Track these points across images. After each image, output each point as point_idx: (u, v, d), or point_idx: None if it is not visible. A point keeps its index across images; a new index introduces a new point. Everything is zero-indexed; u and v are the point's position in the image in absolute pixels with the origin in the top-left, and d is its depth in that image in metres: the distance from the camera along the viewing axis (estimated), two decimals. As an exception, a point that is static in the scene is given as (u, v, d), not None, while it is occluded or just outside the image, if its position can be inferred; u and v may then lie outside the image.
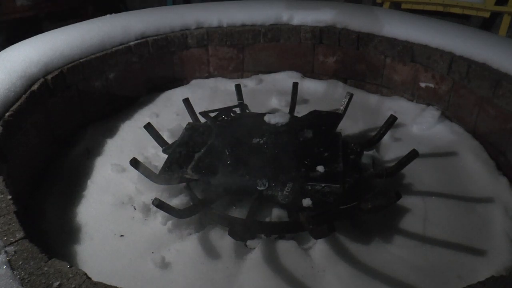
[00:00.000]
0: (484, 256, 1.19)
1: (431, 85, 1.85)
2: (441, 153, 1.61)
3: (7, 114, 1.35)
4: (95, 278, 0.88)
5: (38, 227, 1.29)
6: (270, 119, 1.56)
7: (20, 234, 0.96)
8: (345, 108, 1.65)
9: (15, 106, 1.39)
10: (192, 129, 1.57)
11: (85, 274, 0.88)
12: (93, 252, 1.22)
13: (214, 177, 1.30)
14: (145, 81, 2.05)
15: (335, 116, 1.60)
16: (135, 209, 1.36)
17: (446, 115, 1.82)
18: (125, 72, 1.94)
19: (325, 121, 1.57)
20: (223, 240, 1.23)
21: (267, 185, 1.23)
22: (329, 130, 1.51)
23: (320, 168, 1.29)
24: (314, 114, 1.64)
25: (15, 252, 0.91)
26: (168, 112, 1.90)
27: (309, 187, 1.25)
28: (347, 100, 1.66)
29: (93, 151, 1.65)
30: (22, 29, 3.49)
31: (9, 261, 0.89)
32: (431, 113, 1.81)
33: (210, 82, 2.14)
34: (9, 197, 1.08)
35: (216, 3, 2.24)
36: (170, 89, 2.08)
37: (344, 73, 2.13)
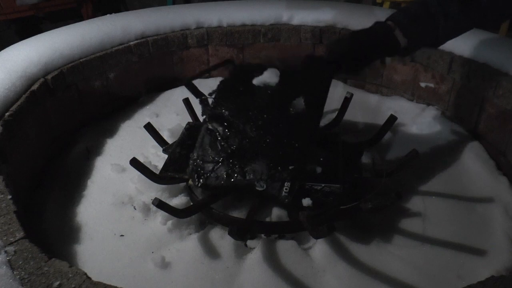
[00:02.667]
0: (484, 256, 1.20)
1: (431, 85, 1.85)
2: (441, 153, 1.61)
3: (7, 114, 1.35)
4: (95, 278, 0.88)
5: (38, 227, 1.29)
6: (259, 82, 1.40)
7: (20, 234, 0.96)
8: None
9: (15, 106, 1.39)
10: (192, 129, 1.56)
11: (85, 274, 0.88)
12: (93, 252, 1.22)
13: (211, 181, 1.26)
14: (145, 81, 2.05)
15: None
16: (135, 209, 1.36)
17: (446, 115, 1.82)
18: (125, 72, 1.94)
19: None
20: (223, 240, 1.23)
21: (265, 186, 1.22)
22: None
23: (318, 169, 1.29)
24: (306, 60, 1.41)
25: (15, 252, 0.91)
26: (168, 112, 1.90)
27: (309, 187, 1.25)
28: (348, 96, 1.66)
29: (93, 151, 1.66)
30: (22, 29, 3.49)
31: (9, 261, 0.89)
32: (431, 113, 1.81)
33: (210, 82, 2.13)
34: (9, 197, 1.08)
35: (216, 3, 2.24)
36: (170, 89, 2.08)
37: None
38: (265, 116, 1.32)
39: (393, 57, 1.30)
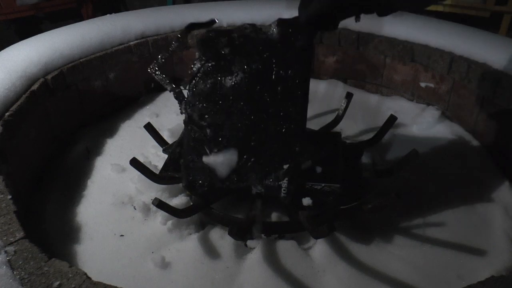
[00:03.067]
0: (484, 256, 1.20)
1: (431, 85, 1.86)
2: (441, 153, 1.61)
3: (7, 114, 1.35)
4: (95, 278, 0.88)
5: (38, 227, 1.29)
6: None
7: (20, 234, 0.96)
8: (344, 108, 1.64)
9: (15, 106, 1.39)
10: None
11: (85, 274, 0.88)
12: (93, 252, 1.22)
13: (208, 189, 1.20)
14: (145, 81, 2.05)
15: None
16: (135, 209, 1.36)
17: (446, 115, 1.82)
18: (125, 72, 1.94)
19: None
20: (223, 240, 1.23)
21: (262, 190, 1.18)
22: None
23: (318, 169, 1.28)
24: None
25: (15, 252, 0.91)
26: (168, 112, 1.90)
27: (309, 187, 1.25)
28: (346, 101, 1.65)
29: (93, 151, 1.66)
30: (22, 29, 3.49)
31: (9, 261, 0.89)
32: (431, 113, 1.81)
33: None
34: (9, 197, 1.08)
35: (216, 3, 2.24)
36: (170, 89, 2.08)
37: (344, 73, 2.13)
38: (249, 107, 1.17)
39: (371, 14, 1.16)
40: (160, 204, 1.14)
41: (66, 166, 1.57)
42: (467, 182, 1.47)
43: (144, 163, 1.32)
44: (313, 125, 1.74)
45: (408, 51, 1.87)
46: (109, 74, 1.88)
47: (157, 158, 1.56)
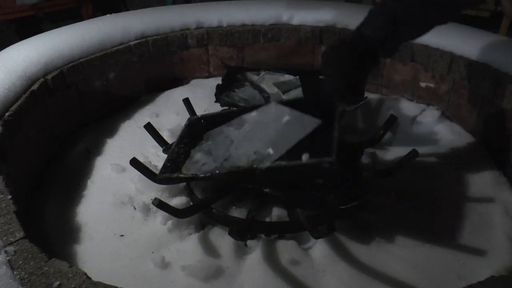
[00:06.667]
0: (484, 256, 1.19)
1: (431, 85, 1.86)
2: (441, 153, 1.61)
3: (7, 114, 1.35)
4: (95, 278, 0.88)
5: (38, 227, 1.29)
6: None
7: (20, 234, 0.96)
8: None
9: (15, 106, 1.39)
10: (192, 125, 1.55)
11: (85, 274, 0.88)
12: (93, 252, 1.22)
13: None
14: (145, 81, 2.05)
15: None
16: (135, 209, 1.36)
17: (446, 115, 1.82)
18: (125, 72, 1.94)
19: None
20: (223, 240, 1.23)
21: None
22: None
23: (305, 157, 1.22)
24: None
25: (15, 252, 0.91)
26: (168, 112, 1.90)
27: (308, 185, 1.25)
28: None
29: (93, 151, 1.66)
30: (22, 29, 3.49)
31: (9, 261, 0.89)
32: (431, 113, 1.81)
33: (210, 82, 2.13)
34: (9, 197, 1.08)
35: (216, 3, 2.24)
36: (170, 89, 2.08)
37: (344, 73, 2.13)
38: None
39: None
40: (160, 204, 1.14)
41: (66, 166, 1.57)
42: (467, 182, 1.47)
43: (144, 163, 1.32)
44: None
45: (408, 51, 1.87)
46: (109, 74, 1.88)
47: (157, 158, 1.56)
